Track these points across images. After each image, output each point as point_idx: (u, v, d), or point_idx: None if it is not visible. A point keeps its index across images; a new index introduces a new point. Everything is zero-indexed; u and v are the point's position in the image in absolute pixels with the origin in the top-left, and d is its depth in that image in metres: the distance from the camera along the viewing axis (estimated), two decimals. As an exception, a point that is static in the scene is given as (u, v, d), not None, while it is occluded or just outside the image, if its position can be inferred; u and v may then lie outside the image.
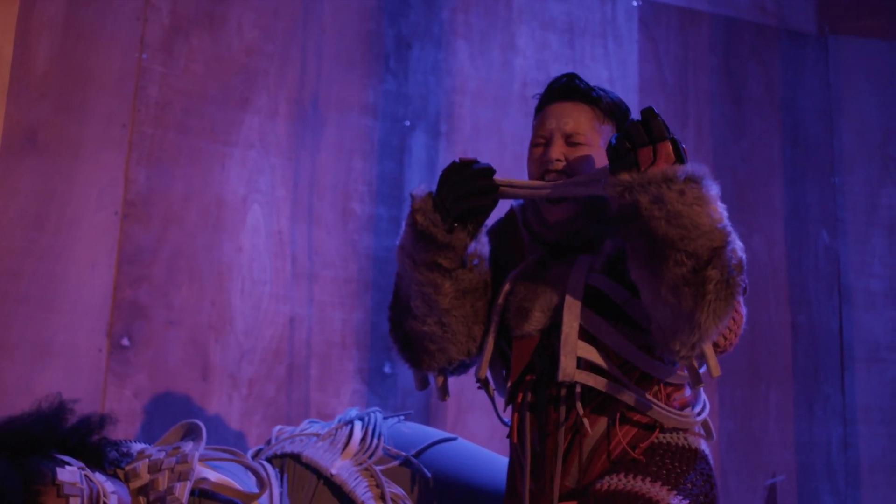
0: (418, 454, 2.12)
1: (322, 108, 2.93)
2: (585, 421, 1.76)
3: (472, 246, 1.82)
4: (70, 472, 1.71)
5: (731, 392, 3.30)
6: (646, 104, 3.29)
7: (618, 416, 1.78)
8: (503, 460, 2.13)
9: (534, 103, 1.93)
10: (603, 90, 1.88)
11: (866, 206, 3.60)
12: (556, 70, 3.14)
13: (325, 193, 2.89)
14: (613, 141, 1.66)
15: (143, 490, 1.84)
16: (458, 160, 1.83)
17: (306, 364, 2.78)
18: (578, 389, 1.76)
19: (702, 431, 1.86)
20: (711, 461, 1.85)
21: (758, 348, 3.35)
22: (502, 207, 1.92)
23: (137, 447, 1.95)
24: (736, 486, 3.26)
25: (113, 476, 1.84)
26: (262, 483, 1.94)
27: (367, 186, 2.95)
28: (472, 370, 1.93)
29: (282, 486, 2.02)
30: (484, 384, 1.91)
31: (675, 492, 1.73)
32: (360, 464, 2.06)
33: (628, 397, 1.76)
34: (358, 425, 2.13)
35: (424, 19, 3.10)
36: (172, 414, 2.59)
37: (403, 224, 1.85)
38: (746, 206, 3.43)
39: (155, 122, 2.72)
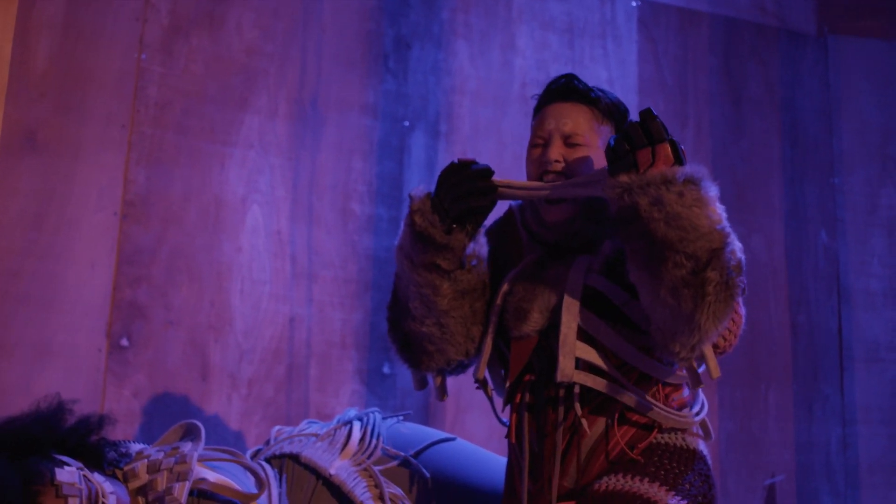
0: (417, 454, 2.12)
1: (322, 109, 2.93)
2: (584, 421, 1.76)
3: (471, 247, 1.82)
4: (69, 473, 1.71)
5: (731, 392, 3.30)
6: (645, 104, 3.30)
7: (616, 416, 1.78)
8: (502, 460, 2.13)
9: (533, 103, 1.93)
10: (602, 90, 1.88)
11: (866, 206, 3.60)
12: (556, 70, 3.14)
13: (324, 193, 2.89)
14: (612, 142, 1.66)
15: (142, 490, 1.84)
16: (456, 161, 1.82)
17: (306, 364, 2.78)
18: (577, 390, 1.76)
19: (700, 432, 1.87)
20: (710, 461, 1.85)
21: (757, 348, 3.35)
22: (500, 207, 1.92)
23: (136, 447, 1.95)
24: (735, 486, 3.26)
25: (112, 476, 1.84)
26: (260, 483, 1.94)
27: (367, 186, 2.95)
28: (471, 370, 1.93)
29: (280, 486, 2.02)
30: (482, 384, 1.91)
31: (673, 492, 1.73)
32: (359, 464, 2.06)
33: (627, 398, 1.76)
34: (357, 425, 2.14)
35: (424, 19, 3.10)
36: (171, 414, 2.59)
37: (402, 224, 1.86)
38: (746, 206, 3.43)
39: (154, 122, 2.72)
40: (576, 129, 1.82)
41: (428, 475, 2.08)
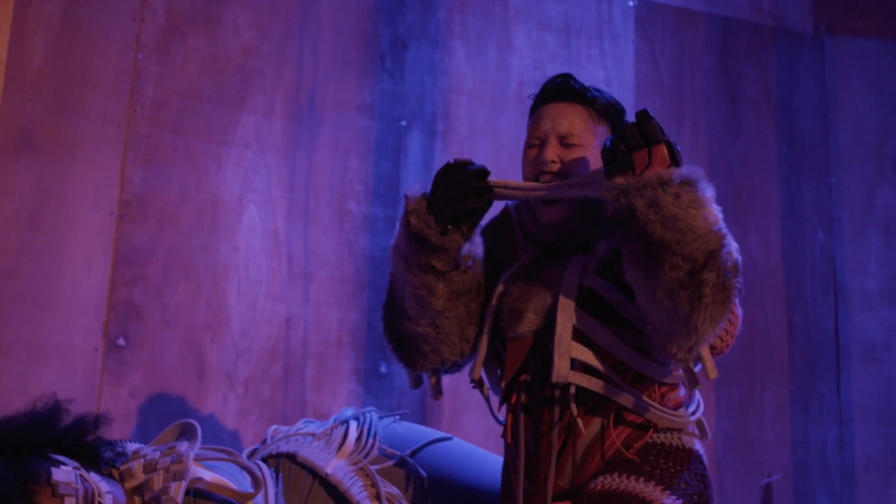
0: (414, 454, 2.12)
1: (318, 108, 2.93)
2: (579, 421, 1.76)
3: (466, 247, 1.82)
4: (65, 472, 1.71)
5: (727, 392, 3.30)
6: (642, 104, 3.31)
7: (612, 416, 1.79)
8: (498, 460, 2.13)
9: (529, 103, 1.93)
10: (598, 91, 1.88)
11: (862, 205, 3.60)
12: (553, 70, 3.14)
13: (321, 193, 2.89)
14: (608, 143, 1.66)
15: (138, 490, 1.84)
16: (452, 161, 1.82)
17: (302, 364, 2.78)
18: (572, 390, 1.76)
19: (696, 431, 1.87)
20: (706, 461, 1.85)
21: (754, 348, 3.36)
22: (496, 207, 1.92)
23: (132, 447, 1.95)
24: (732, 486, 3.26)
25: (108, 476, 1.84)
26: (257, 483, 1.94)
27: (364, 186, 2.95)
28: (467, 369, 1.93)
29: (277, 485, 2.02)
30: (478, 384, 1.91)
31: (668, 492, 1.73)
32: (356, 463, 2.06)
33: (623, 398, 1.76)
34: (353, 425, 2.14)
35: (421, 19, 3.10)
36: (168, 414, 2.59)
37: (398, 225, 1.86)
38: (742, 205, 3.43)
39: (151, 121, 2.72)
40: (572, 129, 1.82)
41: (424, 474, 2.08)
